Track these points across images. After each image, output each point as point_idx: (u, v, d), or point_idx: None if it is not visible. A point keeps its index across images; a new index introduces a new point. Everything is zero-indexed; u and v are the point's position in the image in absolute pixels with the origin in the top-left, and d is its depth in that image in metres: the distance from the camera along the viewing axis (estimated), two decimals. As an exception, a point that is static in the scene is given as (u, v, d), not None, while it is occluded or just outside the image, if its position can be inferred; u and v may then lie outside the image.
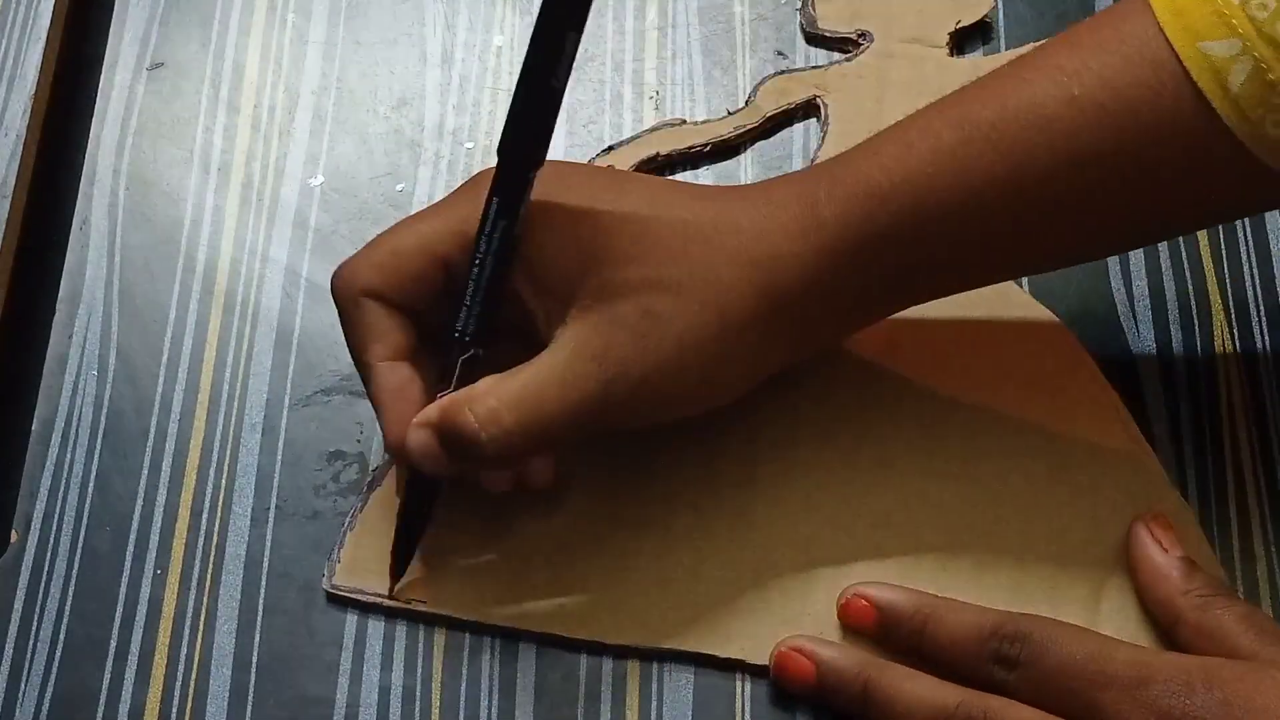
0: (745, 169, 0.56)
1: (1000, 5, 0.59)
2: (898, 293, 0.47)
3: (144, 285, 0.55)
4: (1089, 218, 0.44)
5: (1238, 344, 0.52)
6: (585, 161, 0.56)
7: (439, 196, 0.56)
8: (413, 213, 0.48)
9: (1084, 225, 0.45)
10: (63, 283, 0.55)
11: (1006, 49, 0.58)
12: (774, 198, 0.45)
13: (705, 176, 0.56)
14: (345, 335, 0.47)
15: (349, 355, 0.47)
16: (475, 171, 0.56)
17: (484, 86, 0.58)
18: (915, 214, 0.44)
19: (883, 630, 0.47)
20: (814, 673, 0.46)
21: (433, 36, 0.59)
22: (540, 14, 0.42)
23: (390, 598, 0.48)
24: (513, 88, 0.40)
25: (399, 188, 0.56)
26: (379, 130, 0.58)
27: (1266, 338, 0.52)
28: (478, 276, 0.44)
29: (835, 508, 0.49)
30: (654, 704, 0.47)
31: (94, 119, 0.58)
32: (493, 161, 0.44)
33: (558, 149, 0.57)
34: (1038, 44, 0.48)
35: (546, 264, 0.45)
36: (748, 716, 0.47)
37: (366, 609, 0.49)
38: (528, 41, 0.42)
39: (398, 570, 0.48)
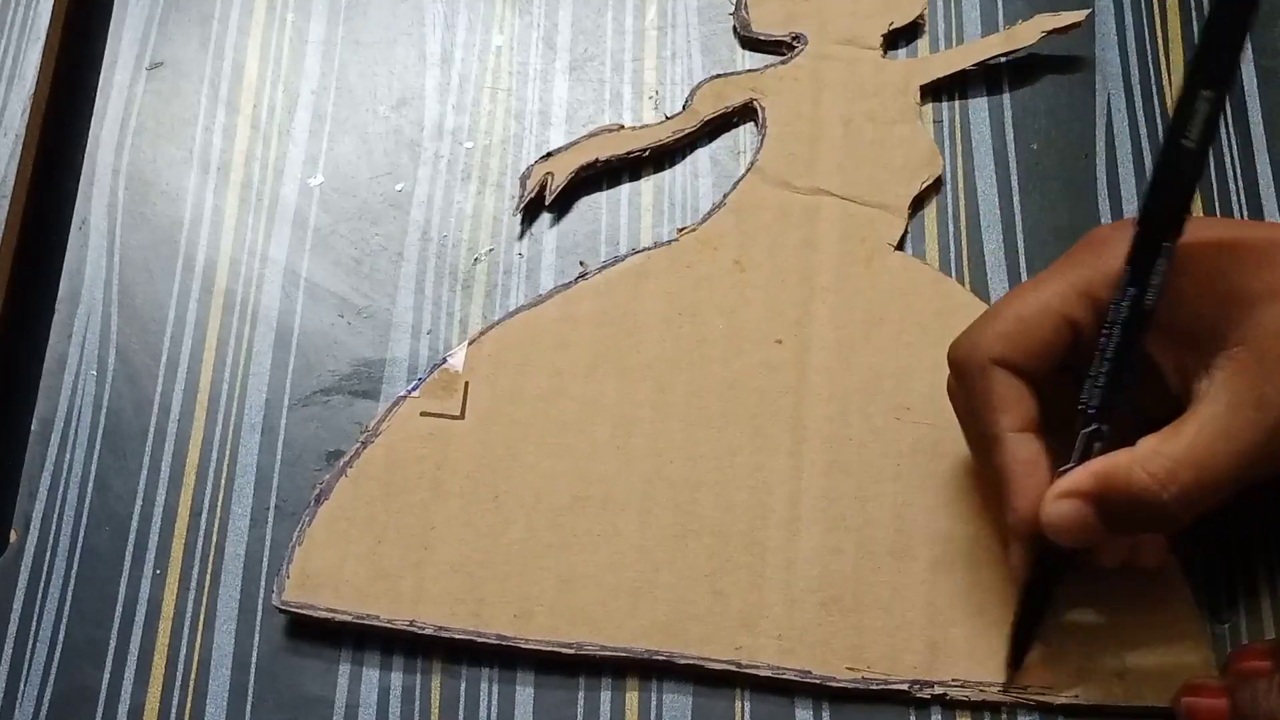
0: (745, 168, 0.56)
1: (1000, 5, 0.59)
2: None
3: (143, 285, 0.55)
4: None
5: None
6: (525, 168, 0.55)
7: (438, 196, 0.56)
8: (1030, 279, 0.46)
9: None
10: (62, 283, 0.55)
11: (1006, 49, 0.58)
12: None
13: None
14: (966, 404, 0.46)
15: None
16: (474, 170, 0.56)
17: (483, 86, 0.58)
18: None
19: None
20: (1228, 709, 0.45)
21: (432, 36, 0.59)
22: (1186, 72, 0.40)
23: (1006, 687, 0.47)
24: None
25: (398, 187, 0.56)
26: (378, 130, 0.58)
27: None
28: (1104, 346, 0.43)
29: None
30: (652, 716, 0.47)
31: (93, 119, 0.58)
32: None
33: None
34: None
35: (1180, 313, 0.43)
36: None
37: (315, 627, 0.48)
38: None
39: (1017, 659, 0.47)
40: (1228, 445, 0.42)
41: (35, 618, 0.49)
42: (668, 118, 0.57)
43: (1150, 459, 0.42)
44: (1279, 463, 0.43)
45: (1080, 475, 0.43)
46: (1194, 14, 0.58)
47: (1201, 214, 0.54)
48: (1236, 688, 0.45)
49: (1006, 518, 0.45)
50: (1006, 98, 0.57)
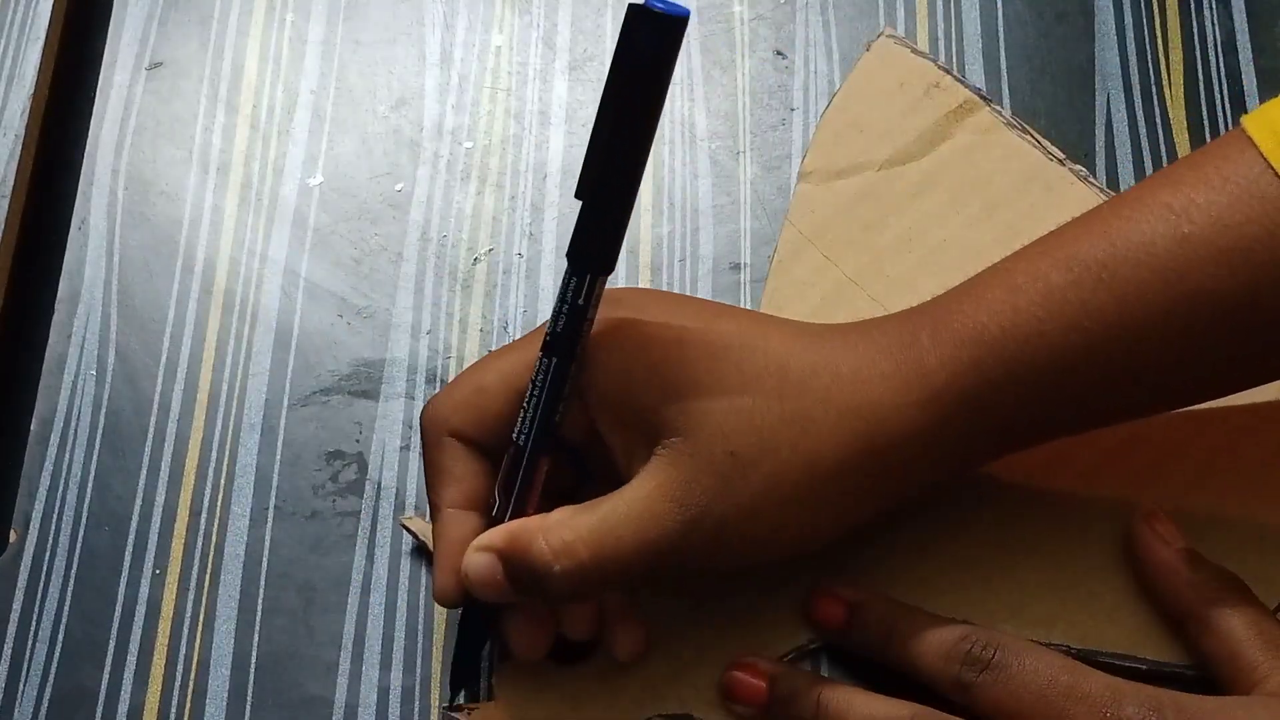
0: (744, 168, 0.56)
1: (1000, 6, 0.59)
2: (1003, 440, 0.44)
3: (143, 285, 0.55)
4: (1202, 357, 0.43)
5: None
6: None
7: (438, 196, 0.56)
8: (507, 344, 0.46)
9: (1198, 365, 0.43)
10: (62, 283, 0.55)
11: (1006, 49, 0.58)
12: (875, 341, 0.43)
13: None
14: (425, 470, 0.45)
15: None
16: (474, 170, 0.56)
17: (483, 86, 0.58)
18: (1026, 360, 0.42)
19: (851, 627, 0.46)
20: (765, 693, 0.45)
21: (432, 36, 0.59)
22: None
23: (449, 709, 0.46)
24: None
25: (398, 187, 0.56)
26: (378, 130, 0.58)
27: None
28: (535, 378, 0.42)
29: None
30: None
31: (93, 118, 0.58)
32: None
33: (555, 150, 0.57)
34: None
35: (624, 395, 0.42)
36: None
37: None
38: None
39: (454, 688, 0.47)
40: (637, 531, 0.41)
41: (35, 618, 0.49)
42: None
43: (554, 529, 0.42)
44: (691, 562, 0.43)
45: (498, 532, 0.42)
46: (1194, 14, 0.58)
47: None
48: (780, 676, 0.45)
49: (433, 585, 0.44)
50: (1006, 98, 0.57)
